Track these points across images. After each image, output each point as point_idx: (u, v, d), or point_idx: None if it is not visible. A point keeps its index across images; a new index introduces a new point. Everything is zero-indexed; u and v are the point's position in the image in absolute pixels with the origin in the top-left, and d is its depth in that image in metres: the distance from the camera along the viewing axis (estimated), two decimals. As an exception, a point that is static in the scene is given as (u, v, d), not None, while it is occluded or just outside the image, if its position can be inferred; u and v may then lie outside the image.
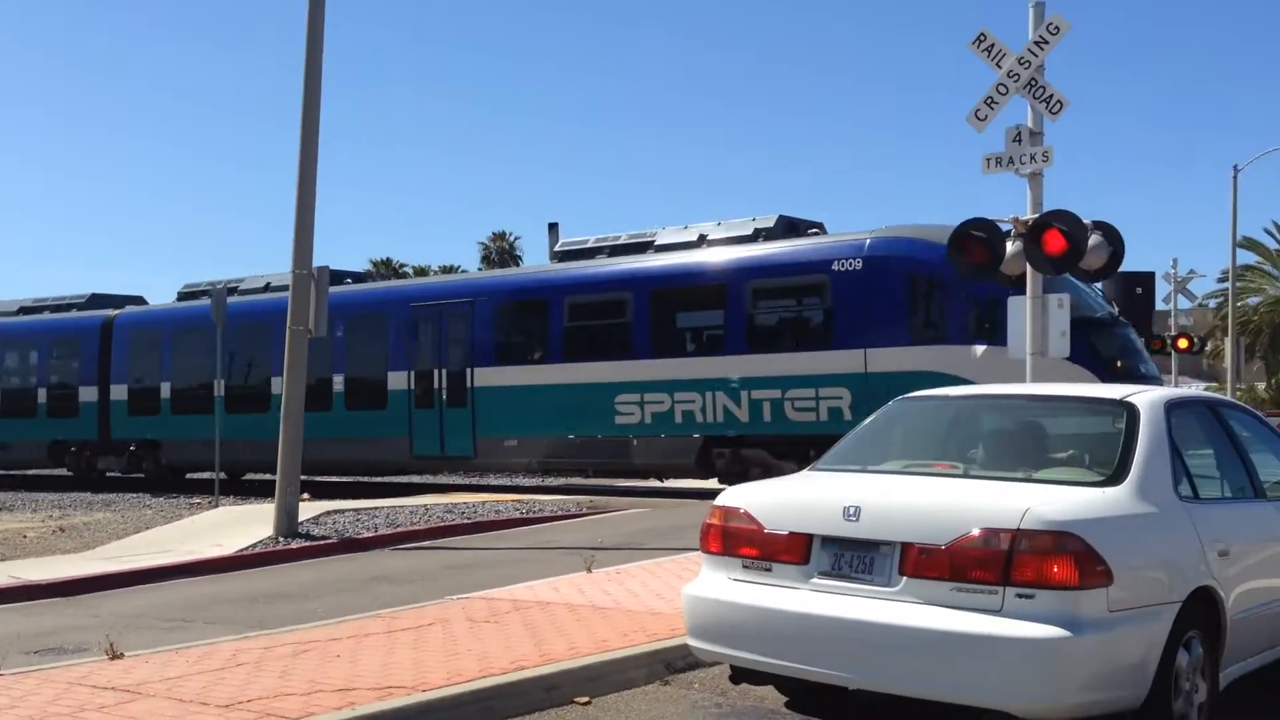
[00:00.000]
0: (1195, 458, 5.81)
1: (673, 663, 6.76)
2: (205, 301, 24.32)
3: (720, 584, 5.59)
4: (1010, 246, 11.06)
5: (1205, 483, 5.78)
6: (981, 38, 11.23)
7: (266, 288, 24.28)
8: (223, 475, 24.09)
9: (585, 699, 6.24)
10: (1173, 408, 5.84)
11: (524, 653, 6.74)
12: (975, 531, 4.84)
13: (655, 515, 15.38)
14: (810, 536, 5.31)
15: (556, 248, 21.34)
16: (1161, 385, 16.64)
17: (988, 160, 11.33)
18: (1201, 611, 5.19)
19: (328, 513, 15.38)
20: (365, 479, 25.06)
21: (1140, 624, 4.83)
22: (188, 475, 25.70)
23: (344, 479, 24.97)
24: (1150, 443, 5.46)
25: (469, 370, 20.43)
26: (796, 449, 16.98)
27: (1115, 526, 4.97)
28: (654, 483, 21.43)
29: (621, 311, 19.22)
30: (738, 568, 5.55)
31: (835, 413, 16.95)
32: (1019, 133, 11.16)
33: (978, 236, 11.10)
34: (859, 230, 17.85)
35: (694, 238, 19.40)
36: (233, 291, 24.34)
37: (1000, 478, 5.52)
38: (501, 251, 66.07)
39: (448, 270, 54.08)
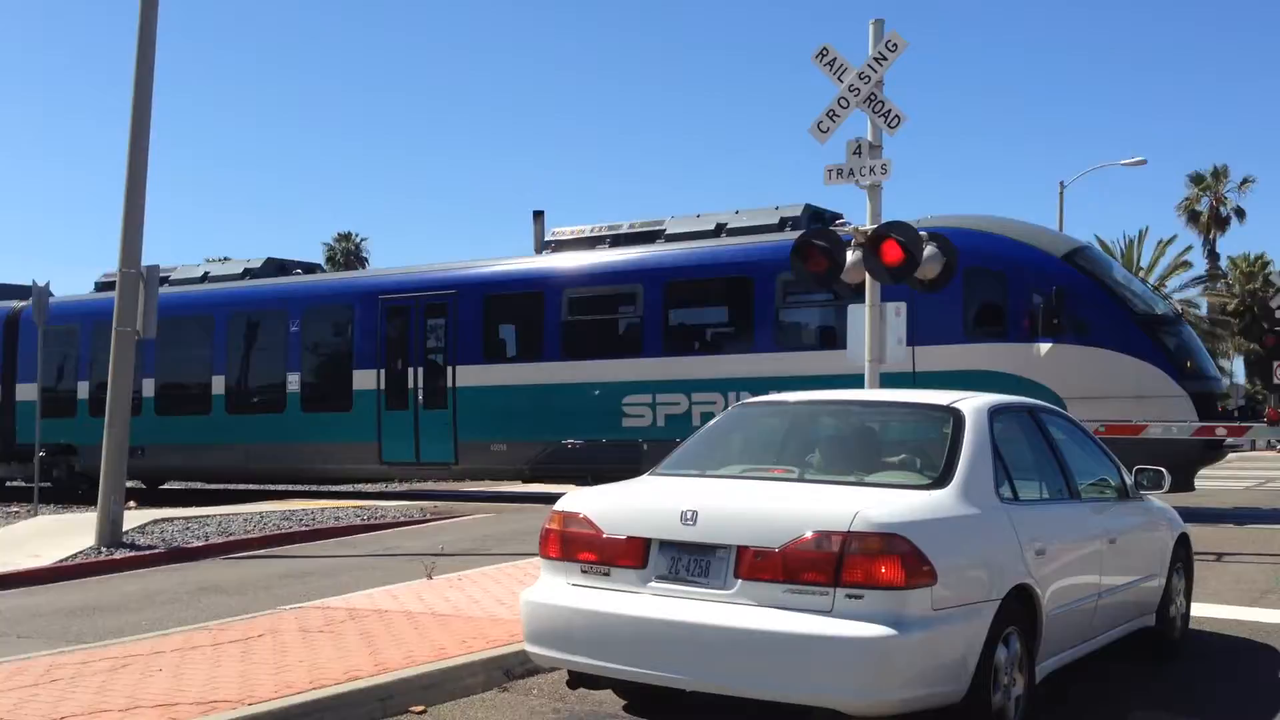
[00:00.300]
0: (1016, 461, 6.05)
1: (511, 669, 6.70)
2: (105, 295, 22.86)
3: (559, 589, 5.56)
4: (850, 255, 11.37)
5: (1025, 485, 6.02)
6: (824, 52, 11.50)
7: (204, 278, 22.57)
8: (139, 484, 22.35)
9: (421, 708, 6.14)
10: (996, 414, 6.07)
11: (358, 663, 6.58)
12: (808, 534, 4.93)
13: (501, 520, 15.26)
14: (648, 541, 5.33)
15: (548, 236, 19.77)
16: (1221, 386, 16.20)
17: (829, 171, 11.60)
18: (1019, 608, 5.38)
19: (155, 521, 14.78)
20: (248, 487, 23.40)
21: (962, 621, 4.99)
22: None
23: (231, 486, 23.41)
24: (974, 447, 5.66)
25: (450, 369, 18.83)
26: None
27: (940, 528, 5.13)
28: (504, 487, 21.21)
29: (631, 305, 17.88)
30: (576, 573, 5.53)
31: None
32: (859, 145, 11.47)
33: (819, 245, 11.37)
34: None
35: (710, 226, 18.02)
36: (163, 281, 22.86)
37: (833, 481, 5.65)
38: (347, 253, 64.72)
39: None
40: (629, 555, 5.35)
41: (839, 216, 17.99)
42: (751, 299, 16.93)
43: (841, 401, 6.84)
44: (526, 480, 19.82)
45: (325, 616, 8.12)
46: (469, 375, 18.65)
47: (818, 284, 11.82)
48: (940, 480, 5.47)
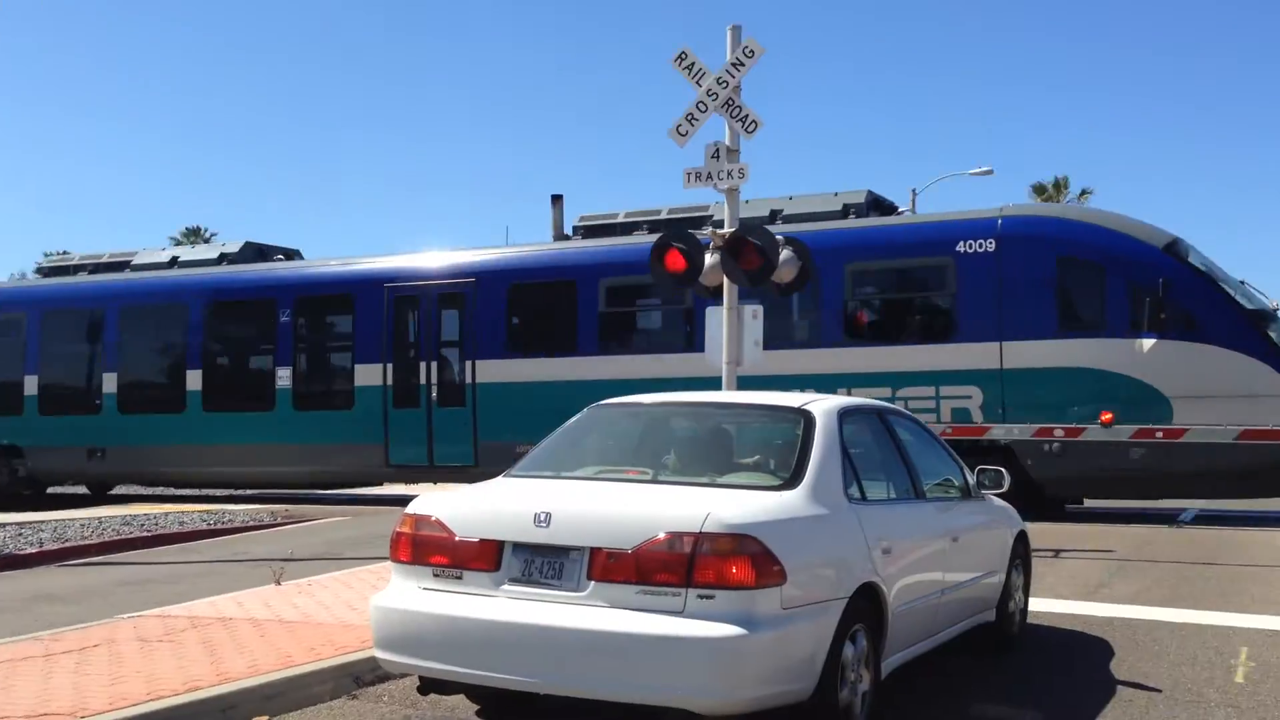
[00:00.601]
0: (865, 462, 6.20)
1: (362, 676, 6.56)
2: (84, 279, 21.12)
3: (410, 593, 5.46)
4: (709, 259, 11.50)
5: (872, 485, 6.17)
6: (683, 56, 11.60)
7: (174, 263, 20.93)
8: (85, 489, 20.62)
9: (264, 718, 5.95)
10: (845, 415, 6.21)
11: (199, 673, 6.34)
12: (661, 535, 4.95)
13: (355, 524, 14.95)
14: (501, 543, 5.28)
15: (577, 222, 18.55)
16: None
17: (688, 174, 11.69)
18: (866, 606, 5.51)
19: (-14, 527, 14.01)
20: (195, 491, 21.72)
21: (810, 620, 5.08)
22: (49, 489, 21.56)
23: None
24: (824, 449, 5.77)
25: (469, 364, 17.52)
26: None
27: (790, 528, 5.21)
28: (362, 490, 20.62)
29: (679, 297, 16.69)
30: (428, 576, 5.44)
31: (961, 414, 15.03)
32: (717, 149, 11.60)
33: (678, 248, 11.46)
34: (968, 209, 15.75)
35: (764, 213, 16.90)
36: (123, 267, 21.01)
37: (687, 483, 5.70)
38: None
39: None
40: (482, 558, 5.29)
41: (895, 207, 17.54)
42: (817, 288, 15.83)
43: (696, 403, 6.91)
44: None
45: (165, 625, 7.81)
46: (491, 370, 17.38)
47: (676, 285, 11.90)
48: (791, 481, 5.56)
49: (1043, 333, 14.70)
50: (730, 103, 11.41)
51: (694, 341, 16.12)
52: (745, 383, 16.02)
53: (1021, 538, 7.97)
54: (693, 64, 11.49)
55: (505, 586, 5.22)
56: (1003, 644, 7.62)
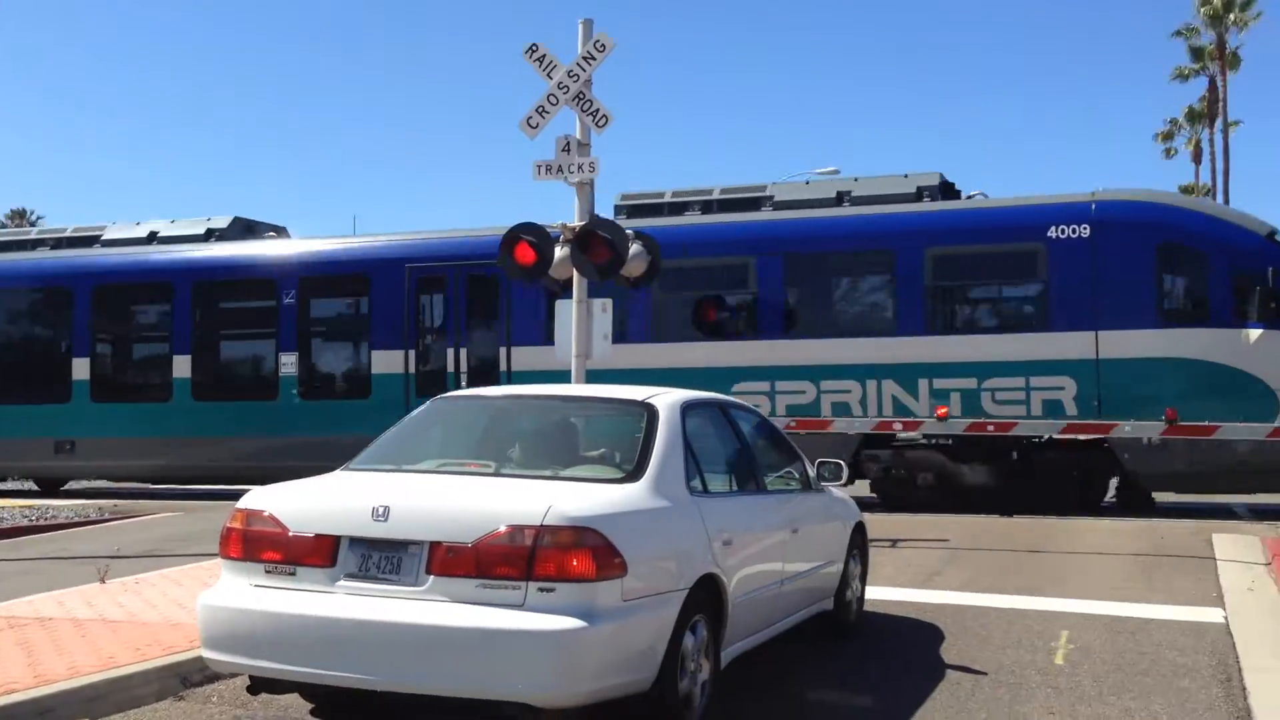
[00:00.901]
0: (707, 455, 6.27)
1: (189, 677, 6.32)
2: (45, 254, 19.33)
3: (240, 591, 5.28)
4: (559, 252, 11.46)
5: (714, 478, 6.25)
6: (534, 48, 11.53)
7: (153, 238, 19.13)
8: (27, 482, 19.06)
9: (84, 722, 5.68)
10: (688, 409, 6.27)
11: (15, 675, 6.01)
12: (502, 528, 4.91)
13: (187, 519, 14.39)
14: (338, 538, 5.16)
15: (618, 201, 17.27)
16: None
17: (538, 167, 11.63)
18: (707, 597, 5.57)
19: None
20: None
21: (651, 611, 5.11)
22: None
23: None
24: (666, 441, 5.81)
25: (504, 350, 16.37)
26: (987, 450, 14.69)
27: (632, 520, 5.23)
28: (196, 485, 19.64)
29: (742, 281, 16.01)
30: (260, 573, 5.27)
31: (1053, 406, 14.38)
32: (568, 143, 11.57)
33: (527, 240, 11.39)
34: (1053, 194, 15.02)
35: (831, 194, 16.25)
36: (93, 241, 19.20)
37: (530, 476, 5.66)
38: (25, 230, 59.40)
39: None
40: (316, 554, 5.15)
41: (960, 192, 16.63)
42: (894, 274, 15.35)
43: (541, 396, 6.89)
44: None
45: (-22, 627, 7.38)
46: (529, 358, 16.01)
47: (526, 278, 11.83)
48: (634, 474, 5.58)
49: (1142, 322, 14.18)
50: (581, 96, 11.39)
51: (758, 327, 15.70)
52: (821, 373, 15.22)
53: (859, 528, 8.20)
54: (543, 56, 11.43)
55: (341, 582, 5.10)
56: (840, 632, 7.82)
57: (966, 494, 14.97)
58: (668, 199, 16.99)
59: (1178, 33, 44.56)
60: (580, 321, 11.55)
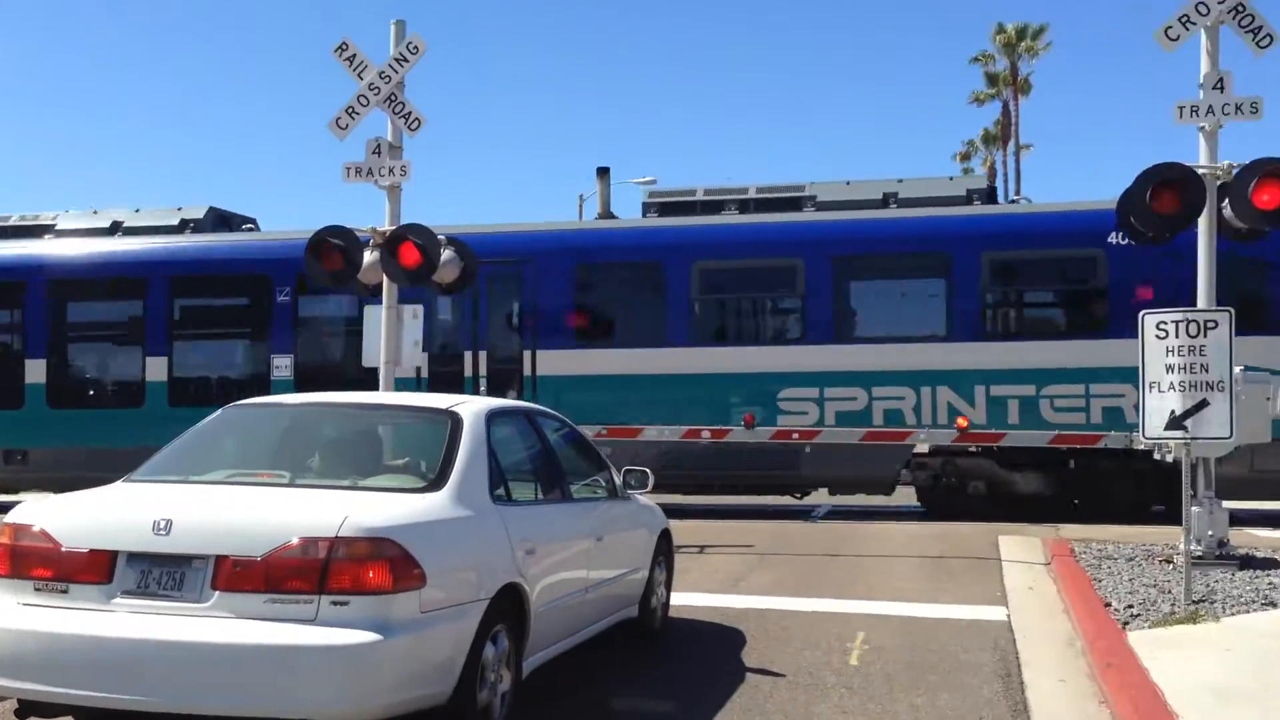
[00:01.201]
0: (512, 464, 6.22)
1: (-50, 704, 5.87)
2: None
3: (7, 610, 4.95)
4: (368, 256, 11.24)
5: (519, 486, 6.21)
6: (344, 47, 11.31)
7: (116, 229, 17.33)
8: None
9: None
10: (494, 417, 6.22)
11: None
12: (294, 541, 4.76)
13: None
14: (115, 553, 4.90)
15: (647, 198, 16.72)
16: None
17: (347, 169, 11.40)
18: (509, 606, 5.53)
19: None
20: None
21: (450, 622, 5.04)
22: None
23: None
24: (470, 450, 5.75)
25: (527, 354, 15.61)
26: (1041, 459, 14.30)
27: (432, 531, 5.15)
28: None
29: (789, 283, 15.41)
30: (29, 591, 4.96)
31: (1114, 414, 14.02)
32: (379, 145, 11.36)
33: (334, 244, 11.13)
34: (1113, 199, 14.48)
35: (877, 195, 15.78)
36: (47, 230, 17.23)
37: (326, 486, 5.51)
38: None
39: None
40: (91, 570, 4.88)
41: (996, 195, 16.31)
42: (950, 278, 14.95)
43: (342, 404, 6.72)
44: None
45: None
46: (554, 362, 15.43)
47: (334, 283, 11.56)
48: (435, 483, 5.50)
49: None
50: (393, 98, 11.23)
51: (804, 332, 15.31)
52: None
53: (665, 535, 8.29)
54: (354, 55, 11.23)
55: (118, 600, 4.85)
56: (645, 638, 7.88)
57: (1019, 503, 14.78)
58: (700, 197, 16.53)
59: (975, 59, 47.07)
60: (390, 327, 11.35)
